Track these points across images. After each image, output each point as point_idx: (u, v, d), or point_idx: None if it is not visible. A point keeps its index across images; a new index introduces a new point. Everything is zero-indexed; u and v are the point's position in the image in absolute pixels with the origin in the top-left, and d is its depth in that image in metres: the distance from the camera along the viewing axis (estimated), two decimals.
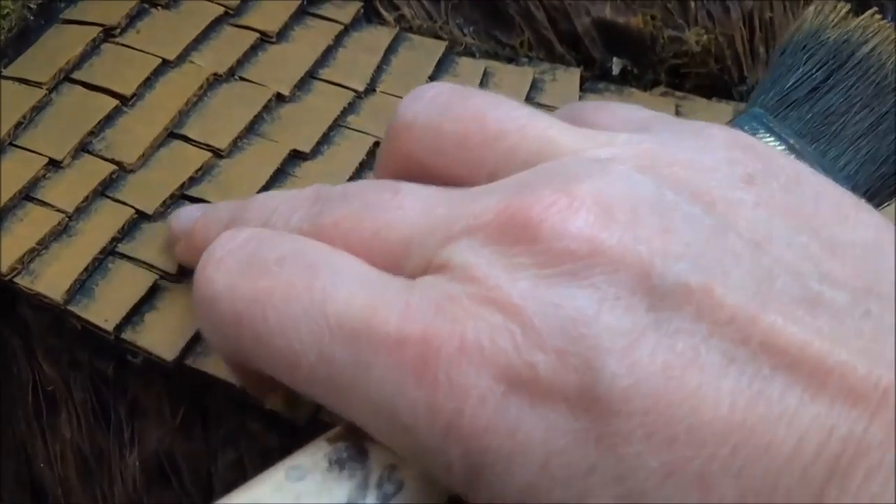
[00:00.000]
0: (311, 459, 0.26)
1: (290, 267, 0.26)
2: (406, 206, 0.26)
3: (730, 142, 0.26)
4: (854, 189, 0.32)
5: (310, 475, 0.25)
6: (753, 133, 0.33)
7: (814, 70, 0.34)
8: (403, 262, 0.25)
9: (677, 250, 0.22)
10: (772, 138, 0.33)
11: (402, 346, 0.23)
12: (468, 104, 0.28)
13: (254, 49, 0.43)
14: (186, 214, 0.35)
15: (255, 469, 0.38)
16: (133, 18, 0.44)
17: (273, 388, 0.32)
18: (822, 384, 0.21)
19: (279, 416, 0.35)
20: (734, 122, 0.35)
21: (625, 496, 0.21)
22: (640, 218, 0.23)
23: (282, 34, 0.44)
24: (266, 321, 0.26)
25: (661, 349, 0.21)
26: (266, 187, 0.39)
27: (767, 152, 0.26)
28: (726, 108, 0.48)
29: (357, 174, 0.40)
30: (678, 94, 0.47)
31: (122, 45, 0.43)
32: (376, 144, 0.41)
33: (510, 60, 0.46)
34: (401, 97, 0.43)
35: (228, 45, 0.43)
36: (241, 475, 0.39)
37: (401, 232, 0.26)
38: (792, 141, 0.33)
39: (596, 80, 0.47)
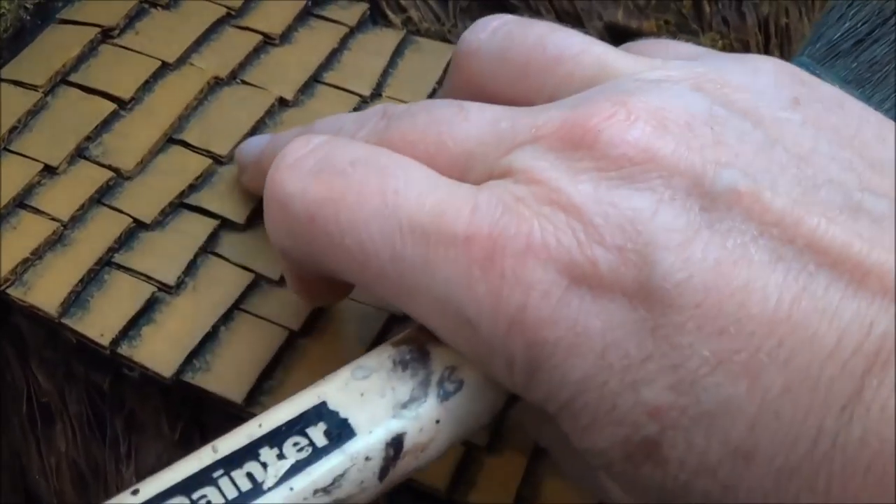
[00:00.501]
0: (377, 360, 0.27)
1: (363, 169, 0.27)
2: (471, 120, 0.27)
3: (777, 69, 0.27)
4: None
5: (374, 374, 0.26)
6: None
7: (859, 24, 0.35)
8: (468, 171, 0.26)
9: (728, 159, 0.24)
10: None
11: (470, 244, 0.24)
12: (529, 32, 0.29)
13: (256, 51, 0.42)
14: (253, 143, 0.37)
15: None
16: (132, 19, 0.42)
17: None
18: (862, 282, 0.22)
19: None
20: None
21: (677, 384, 0.22)
22: (693, 130, 0.24)
23: (285, 36, 0.42)
24: (338, 221, 0.26)
25: (713, 246, 0.23)
26: None
27: (812, 80, 0.27)
28: None
29: None
30: None
31: (121, 46, 0.42)
32: None
33: None
34: (408, 101, 0.42)
35: (230, 47, 0.42)
36: None
37: (466, 143, 0.27)
38: (837, 85, 0.33)
39: None
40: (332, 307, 0.36)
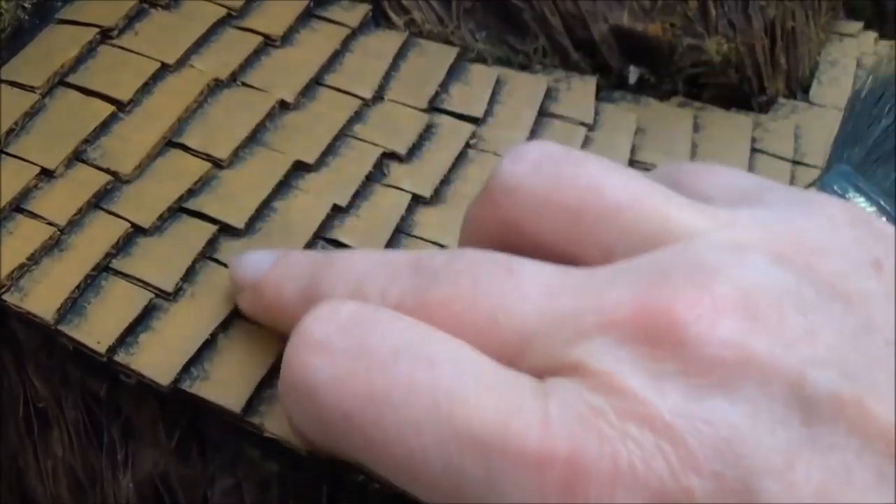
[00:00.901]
0: None
1: (408, 361, 0.24)
2: (524, 290, 0.24)
3: (851, 219, 0.25)
4: None
5: None
6: (843, 193, 0.33)
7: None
8: (523, 355, 0.24)
9: (825, 356, 0.21)
10: (862, 199, 0.33)
11: (546, 466, 0.21)
12: (579, 171, 0.26)
13: (257, 53, 0.41)
14: (253, 263, 0.32)
15: (252, 496, 0.37)
16: (131, 19, 0.42)
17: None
18: None
19: (278, 444, 0.33)
20: (824, 182, 0.34)
21: None
22: (786, 319, 0.22)
23: (287, 37, 0.42)
24: (382, 424, 0.23)
25: (816, 467, 0.21)
26: (268, 200, 0.37)
27: (884, 230, 0.25)
28: (745, 119, 0.46)
29: (363, 187, 0.38)
30: (696, 104, 0.46)
31: (120, 47, 0.41)
32: (384, 156, 0.40)
33: (524, 67, 0.44)
34: (410, 105, 0.42)
35: (231, 49, 0.41)
36: (238, 501, 0.37)
37: (521, 321, 0.24)
38: (882, 202, 0.32)
39: (612, 88, 0.45)
40: None
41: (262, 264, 0.32)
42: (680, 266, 0.23)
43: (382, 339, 0.24)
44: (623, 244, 0.25)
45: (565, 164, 0.26)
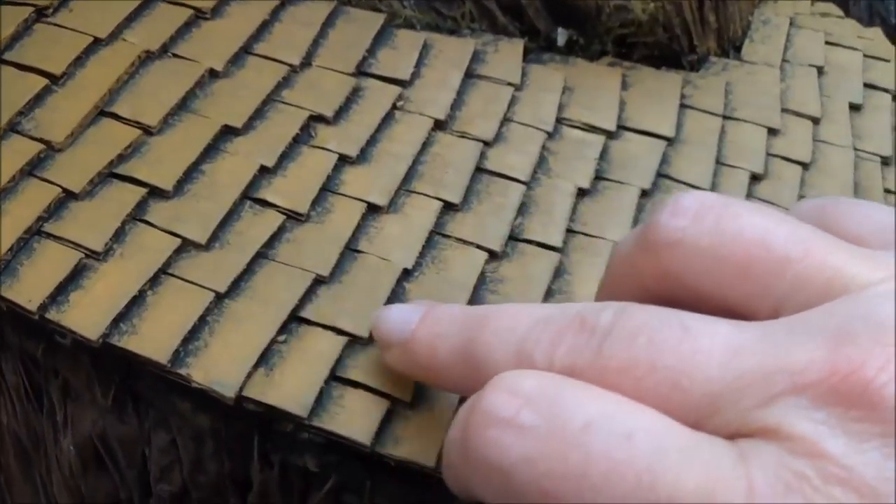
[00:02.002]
0: None
1: (603, 436, 0.23)
2: (704, 350, 0.24)
3: None
4: None
5: None
6: None
7: None
8: (710, 417, 0.23)
9: None
10: None
11: None
12: (743, 223, 0.26)
13: (188, 25, 0.43)
14: (399, 319, 0.32)
15: (188, 452, 0.38)
16: None
17: None
18: None
19: (207, 396, 0.34)
20: None
21: None
22: None
23: (217, 10, 0.43)
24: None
25: None
26: (197, 163, 0.39)
27: None
28: (675, 77, 0.47)
29: (290, 149, 0.40)
30: (626, 64, 0.47)
31: (55, 24, 0.43)
32: (311, 118, 0.41)
33: (452, 32, 0.46)
34: (338, 70, 0.43)
35: (162, 22, 0.43)
36: (175, 458, 0.39)
37: (706, 384, 0.23)
38: None
39: (541, 51, 0.46)
40: (256, 269, 0.37)
41: (408, 320, 0.31)
42: (861, 322, 0.23)
43: (572, 414, 0.23)
44: (793, 297, 0.25)
45: (726, 215, 0.26)
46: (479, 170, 0.41)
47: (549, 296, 0.38)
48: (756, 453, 0.22)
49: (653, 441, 0.23)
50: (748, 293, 0.25)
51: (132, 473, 0.40)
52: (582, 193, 0.42)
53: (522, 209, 0.40)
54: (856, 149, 0.49)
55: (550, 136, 0.43)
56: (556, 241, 0.39)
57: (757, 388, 0.23)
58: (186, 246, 0.37)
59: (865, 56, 0.53)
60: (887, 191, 0.48)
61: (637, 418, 0.23)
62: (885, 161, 0.49)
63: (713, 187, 0.44)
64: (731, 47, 0.50)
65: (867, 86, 0.52)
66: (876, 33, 0.57)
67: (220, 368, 0.34)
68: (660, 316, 0.25)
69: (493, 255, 0.39)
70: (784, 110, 0.48)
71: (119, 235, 0.37)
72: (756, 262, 0.25)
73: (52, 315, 0.35)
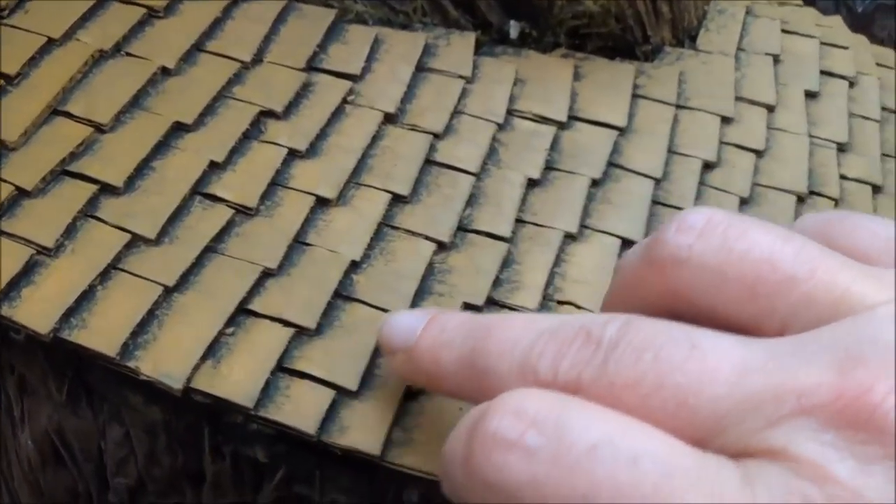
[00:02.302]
0: None
1: (608, 460, 0.23)
2: (712, 368, 0.24)
3: None
4: None
5: None
6: None
7: None
8: (715, 436, 0.23)
9: None
10: None
11: None
12: (750, 241, 0.26)
13: (141, 24, 0.44)
14: (403, 326, 0.32)
15: (142, 444, 0.39)
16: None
17: None
18: None
19: (158, 389, 0.35)
20: None
21: None
22: None
23: (170, 8, 0.44)
24: None
25: None
26: (147, 159, 0.40)
27: None
28: (628, 67, 0.48)
29: (240, 144, 0.41)
30: (579, 55, 0.47)
31: (10, 25, 0.43)
32: (261, 114, 0.42)
33: (404, 27, 0.46)
34: (288, 66, 0.44)
35: (115, 22, 0.44)
36: (130, 451, 0.39)
37: (712, 402, 0.23)
38: None
39: (494, 44, 0.47)
40: (205, 262, 0.37)
41: (413, 327, 0.31)
42: (869, 345, 0.23)
43: (578, 437, 0.23)
44: (800, 316, 0.25)
45: (732, 233, 0.26)
46: (429, 162, 0.42)
47: (497, 285, 0.39)
48: (762, 474, 0.22)
49: (659, 464, 0.23)
50: (754, 311, 0.25)
51: (89, 467, 0.40)
52: (532, 184, 0.42)
53: (472, 200, 0.41)
54: (811, 136, 0.49)
55: (501, 127, 0.44)
56: (505, 231, 0.40)
57: (764, 409, 0.23)
58: (136, 241, 0.38)
59: (823, 44, 0.54)
60: (843, 177, 0.49)
61: (643, 441, 0.23)
62: (841, 147, 0.50)
63: (665, 176, 0.44)
64: (687, 37, 0.51)
65: (824, 73, 0.52)
66: (835, 21, 0.58)
67: (168, 361, 0.35)
68: (667, 331, 0.25)
69: (441, 246, 0.39)
70: (738, 99, 0.49)
71: (70, 232, 0.38)
72: (763, 281, 0.25)
73: (3, 310, 0.36)
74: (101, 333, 0.35)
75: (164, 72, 0.42)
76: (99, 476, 0.40)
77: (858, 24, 0.59)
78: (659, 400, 0.24)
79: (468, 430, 0.25)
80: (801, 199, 0.46)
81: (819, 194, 0.47)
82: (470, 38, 0.46)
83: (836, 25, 0.57)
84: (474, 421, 0.25)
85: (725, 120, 0.47)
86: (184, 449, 0.38)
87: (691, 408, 0.23)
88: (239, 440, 0.36)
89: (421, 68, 0.45)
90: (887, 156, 0.51)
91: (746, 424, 0.23)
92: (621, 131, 0.45)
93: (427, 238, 0.39)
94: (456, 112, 0.44)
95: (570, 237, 0.41)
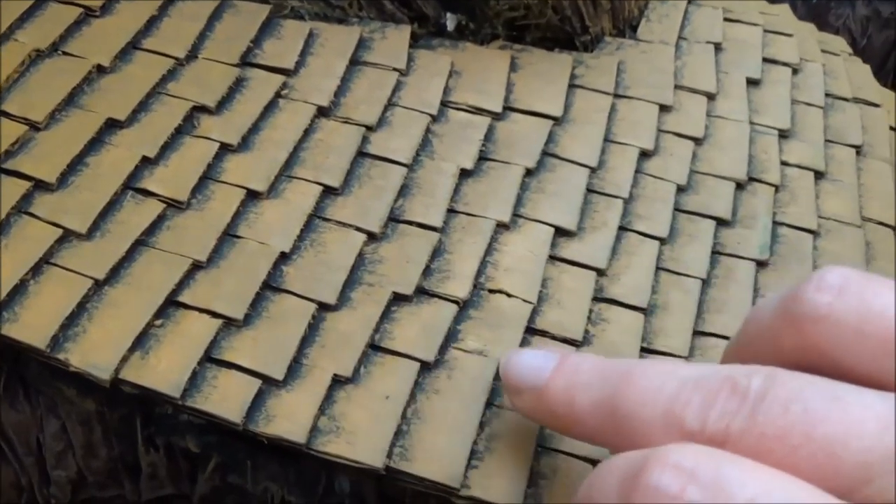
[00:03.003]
0: None
1: None
2: (858, 420, 0.25)
3: None
4: None
5: None
6: None
7: None
8: (862, 486, 0.24)
9: None
10: None
11: None
12: (887, 299, 0.27)
13: (78, 24, 0.45)
14: (531, 365, 0.33)
15: (78, 436, 0.40)
16: None
17: None
18: None
19: (89, 381, 0.36)
20: None
21: None
22: None
23: (106, 7, 0.45)
24: None
25: None
26: (81, 156, 0.41)
27: None
28: (566, 58, 0.49)
29: (172, 139, 0.42)
30: (516, 46, 0.48)
31: None
32: (194, 109, 0.43)
33: (341, 21, 0.47)
34: (223, 62, 0.45)
35: (53, 22, 0.45)
36: (68, 443, 0.40)
37: (860, 454, 0.24)
38: None
39: (431, 36, 0.48)
40: (136, 256, 0.38)
41: (542, 367, 0.32)
42: None
43: (736, 492, 0.24)
44: None
45: (869, 292, 0.27)
46: (362, 154, 0.43)
47: (427, 275, 0.40)
48: None
49: None
50: (890, 368, 0.26)
51: (30, 460, 0.41)
52: (465, 174, 0.43)
53: (404, 191, 0.42)
54: (753, 123, 0.50)
55: (435, 119, 0.45)
56: (436, 221, 0.41)
57: None
58: (68, 236, 0.39)
59: (767, 31, 0.55)
60: (785, 163, 0.50)
61: (797, 494, 0.24)
62: (783, 134, 0.51)
63: (600, 164, 0.45)
64: (628, 27, 0.52)
65: (767, 60, 0.53)
66: (782, 9, 0.59)
67: (96, 353, 0.36)
68: (811, 384, 0.26)
69: (371, 237, 0.40)
70: (678, 87, 0.50)
71: (4, 228, 0.39)
72: None
73: None
74: (31, 327, 0.36)
75: (100, 70, 0.43)
76: (40, 469, 0.41)
77: (813, 12, 0.60)
78: (808, 450, 0.25)
79: (622, 482, 0.26)
80: (739, 186, 0.47)
81: (759, 181, 0.48)
82: (405, 31, 0.47)
83: (782, 13, 0.58)
84: (629, 472, 0.26)
85: (664, 108, 0.48)
86: (119, 440, 0.39)
87: (839, 458, 0.24)
88: (171, 431, 0.37)
89: (355, 62, 0.46)
90: (832, 142, 0.52)
91: (890, 474, 0.24)
92: (557, 121, 0.46)
93: (358, 229, 0.40)
94: (390, 104, 0.45)
95: (502, 226, 0.42)
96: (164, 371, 0.36)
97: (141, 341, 0.36)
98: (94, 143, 0.41)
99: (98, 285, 0.37)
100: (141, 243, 0.39)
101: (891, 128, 0.54)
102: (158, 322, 0.37)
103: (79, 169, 0.40)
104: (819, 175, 0.50)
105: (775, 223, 0.47)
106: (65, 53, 0.44)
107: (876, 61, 0.77)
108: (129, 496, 0.41)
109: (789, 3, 0.64)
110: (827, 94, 0.54)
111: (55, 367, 0.37)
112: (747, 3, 0.57)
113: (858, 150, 0.52)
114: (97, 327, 0.37)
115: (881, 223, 0.49)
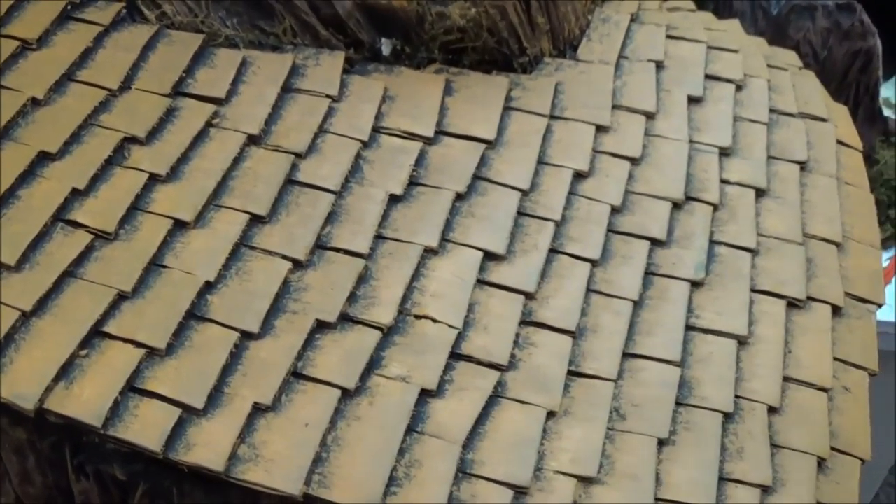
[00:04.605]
0: None
1: None
2: None
3: None
4: None
5: None
6: None
7: None
8: None
9: None
10: None
11: None
12: None
13: (14, 57, 0.47)
14: None
15: (14, 465, 0.41)
16: None
17: None
18: None
19: (18, 412, 0.37)
20: None
21: None
22: None
23: (43, 40, 0.47)
24: None
25: None
26: (13, 189, 0.42)
27: None
28: (502, 80, 0.50)
29: (102, 171, 0.43)
30: (452, 70, 0.50)
31: None
32: (125, 140, 0.44)
33: (275, 49, 0.49)
34: (155, 92, 0.47)
35: None
36: (3, 471, 0.42)
37: None
38: None
39: (367, 62, 0.49)
40: (63, 287, 0.40)
41: None
42: None
43: None
44: None
45: None
46: (291, 181, 0.44)
47: (352, 301, 0.41)
48: None
49: None
50: None
51: None
52: (395, 200, 0.45)
53: (332, 218, 0.44)
54: (693, 141, 0.52)
55: (367, 145, 0.46)
56: (363, 247, 0.43)
57: None
58: None
59: (711, 48, 0.56)
60: (725, 181, 0.51)
61: None
62: (724, 152, 0.52)
63: (533, 187, 0.46)
64: (569, 47, 0.53)
65: (710, 77, 0.54)
66: (732, 24, 0.60)
67: (21, 383, 0.37)
68: None
69: (297, 265, 0.42)
70: (616, 107, 0.51)
71: None
72: None
73: None
74: None
75: (34, 103, 0.45)
76: None
77: (774, 26, 0.61)
78: None
79: None
80: (676, 206, 0.48)
81: (698, 199, 0.49)
82: (339, 57, 0.48)
83: (730, 28, 0.59)
84: None
85: (601, 129, 0.49)
86: (52, 468, 0.40)
87: None
88: (99, 459, 0.39)
89: (288, 89, 0.47)
90: (776, 158, 0.53)
91: None
92: (491, 144, 0.47)
93: (283, 257, 0.42)
94: (321, 131, 0.46)
95: (430, 251, 0.43)
96: (86, 400, 0.37)
97: (66, 371, 0.38)
98: (27, 176, 0.43)
99: (25, 317, 0.39)
100: (69, 275, 0.40)
101: (839, 142, 0.55)
102: (83, 352, 0.38)
103: (11, 202, 0.42)
104: (760, 192, 0.51)
105: (713, 242, 0.48)
106: (2, 87, 0.45)
107: (837, 73, 0.78)
108: None
109: (750, 15, 0.65)
110: (772, 110, 0.55)
111: None
112: (693, 19, 0.58)
113: (803, 165, 0.53)
114: (24, 358, 0.38)
115: (825, 239, 0.50)
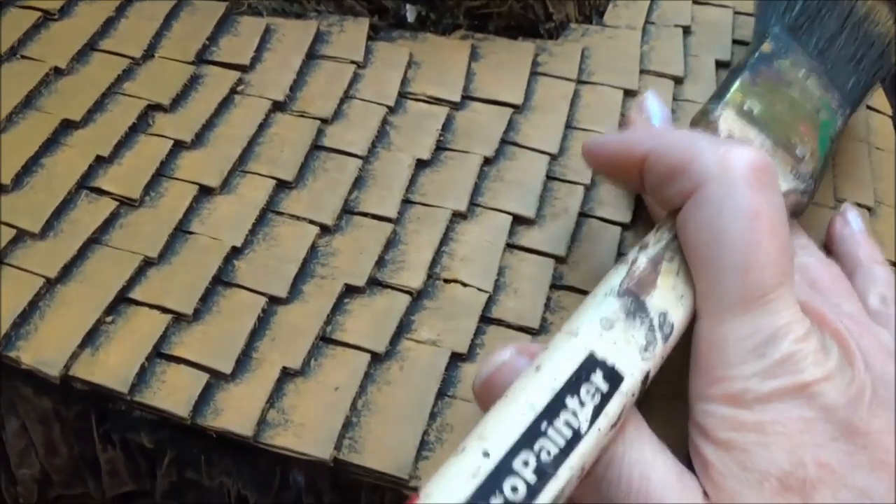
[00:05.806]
0: (611, 311, 0.32)
1: None
2: None
3: None
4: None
5: (615, 324, 0.32)
6: (786, 51, 0.41)
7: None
8: None
9: None
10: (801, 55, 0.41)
11: None
12: None
13: (36, 27, 0.45)
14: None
15: (38, 435, 0.40)
16: None
17: None
18: None
19: (44, 379, 0.36)
20: (771, 38, 0.41)
21: None
22: None
23: (64, 10, 0.46)
24: None
25: None
26: (36, 157, 0.41)
27: None
28: (529, 45, 0.48)
29: (126, 138, 0.42)
30: (478, 36, 0.48)
31: None
32: (149, 107, 0.43)
33: (299, 16, 0.47)
34: (178, 60, 0.45)
35: (12, 27, 0.45)
36: (29, 442, 0.41)
37: None
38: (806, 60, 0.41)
39: (391, 28, 0.48)
40: (88, 254, 0.39)
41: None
42: None
43: None
44: None
45: None
46: (317, 147, 0.43)
47: (381, 266, 0.40)
48: None
49: None
50: None
51: None
52: (422, 164, 0.43)
53: (359, 183, 0.42)
54: None
55: (393, 110, 0.45)
56: (391, 212, 0.41)
57: None
58: (22, 236, 0.39)
59: (737, 13, 0.54)
60: None
61: None
62: None
63: (562, 151, 0.45)
64: (595, 13, 0.51)
65: (737, 42, 0.52)
66: None
67: (47, 350, 0.36)
68: None
69: (325, 229, 0.40)
70: (645, 71, 0.49)
71: None
72: None
73: None
74: None
75: (57, 72, 0.44)
76: (5, 468, 0.42)
77: None
78: None
79: None
80: None
81: None
82: (363, 23, 0.47)
83: None
84: None
85: (629, 93, 0.48)
86: (78, 438, 0.39)
87: None
88: (125, 427, 0.38)
89: (312, 56, 0.46)
90: None
91: None
92: (518, 109, 0.46)
93: (311, 222, 0.40)
94: (347, 97, 0.45)
95: (459, 216, 0.42)
96: (112, 367, 0.36)
97: (91, 338, 0.37)
98: (50, 144, 0.41)
99: (50, 284, 0.38)
100: (93, 241, 0.39)
101: (868, 107, 0.53)
102: (109, 318, 0.37)
103: (34, 170, 0.41)
104: None
105: None
106: (23, 57, 0.44)
107: None
108: (94, 494, 0.42)
109: None
110: None
111: (12, 367, 0.37)
112: None
113: None
114: (48, 325, 0.37)
115: (857, 203, 0.48)
